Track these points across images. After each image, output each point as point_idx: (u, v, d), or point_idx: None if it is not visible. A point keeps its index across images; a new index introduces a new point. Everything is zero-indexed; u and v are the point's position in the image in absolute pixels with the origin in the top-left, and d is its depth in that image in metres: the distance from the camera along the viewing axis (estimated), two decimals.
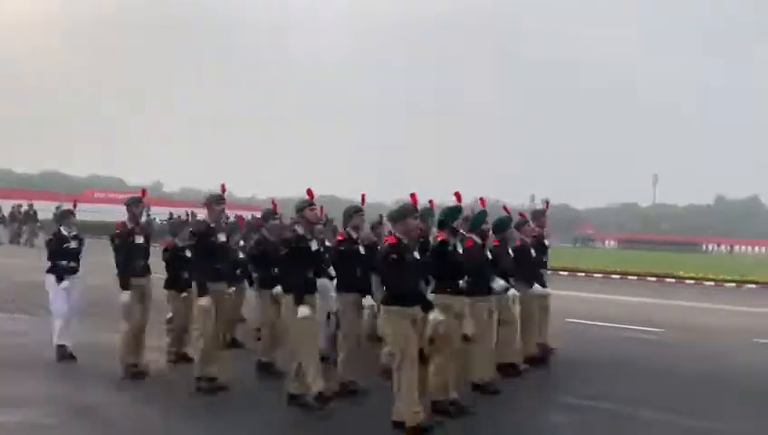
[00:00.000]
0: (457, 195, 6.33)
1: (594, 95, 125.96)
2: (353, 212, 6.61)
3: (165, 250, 7.87)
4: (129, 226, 7.20)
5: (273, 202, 9.43)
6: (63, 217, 7.93)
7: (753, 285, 20.58)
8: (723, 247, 54.12)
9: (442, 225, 6.21)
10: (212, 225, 6.68)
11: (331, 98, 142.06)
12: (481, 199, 7.24)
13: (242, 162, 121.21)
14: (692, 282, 21.24)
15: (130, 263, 7.05)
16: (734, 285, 20.78)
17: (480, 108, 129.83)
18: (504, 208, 7.66)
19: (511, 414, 6.26)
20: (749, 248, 60.82)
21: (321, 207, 7.22)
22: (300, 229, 6.11)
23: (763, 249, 60.99)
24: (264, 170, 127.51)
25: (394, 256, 5.48)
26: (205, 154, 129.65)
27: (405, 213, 5.64)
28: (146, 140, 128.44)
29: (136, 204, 7.26)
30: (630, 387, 7.42)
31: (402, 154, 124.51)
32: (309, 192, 6.26)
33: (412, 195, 5.88)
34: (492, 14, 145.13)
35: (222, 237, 6.72)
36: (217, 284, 6.60)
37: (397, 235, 5.60)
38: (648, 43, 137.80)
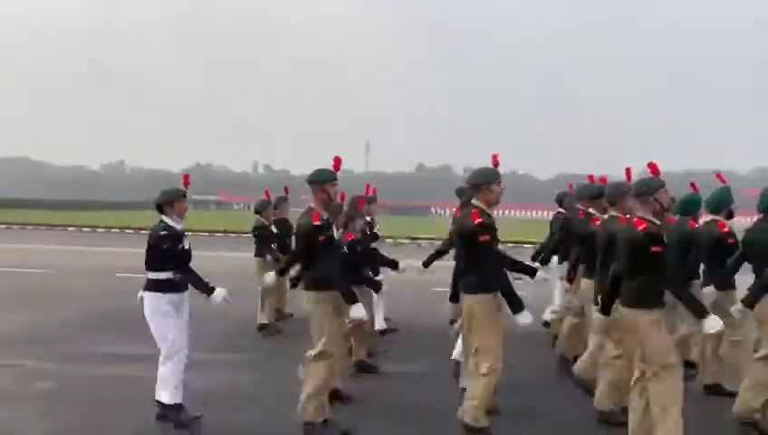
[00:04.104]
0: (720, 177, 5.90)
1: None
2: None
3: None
4: (326, 217, 5.00)
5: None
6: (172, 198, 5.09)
7: None
8: (447, 211, 59.28)
9: (718, 210, 5.62)
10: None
11: None
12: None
13: None
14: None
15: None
16: None
17: None
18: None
19: None
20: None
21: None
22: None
23: None
24: None
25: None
26: None
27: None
28: None
29: (331, 182, 4.99)
30: None
31: None
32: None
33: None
34: None
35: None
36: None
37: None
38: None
